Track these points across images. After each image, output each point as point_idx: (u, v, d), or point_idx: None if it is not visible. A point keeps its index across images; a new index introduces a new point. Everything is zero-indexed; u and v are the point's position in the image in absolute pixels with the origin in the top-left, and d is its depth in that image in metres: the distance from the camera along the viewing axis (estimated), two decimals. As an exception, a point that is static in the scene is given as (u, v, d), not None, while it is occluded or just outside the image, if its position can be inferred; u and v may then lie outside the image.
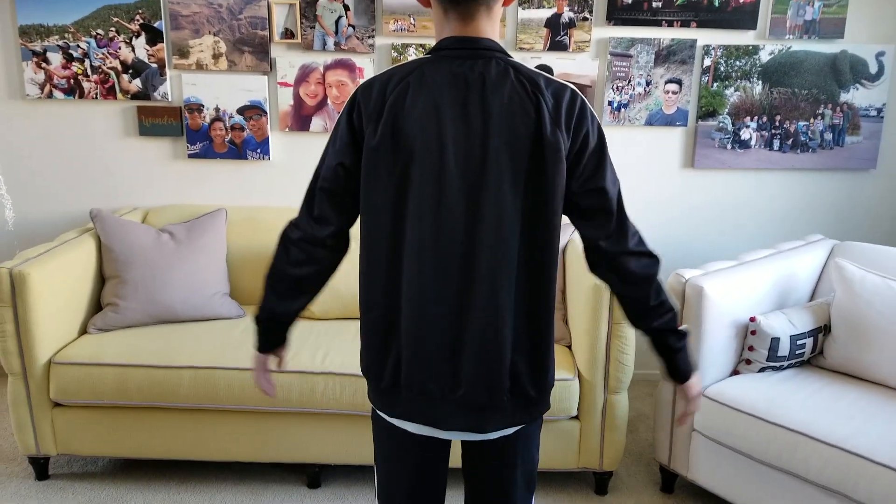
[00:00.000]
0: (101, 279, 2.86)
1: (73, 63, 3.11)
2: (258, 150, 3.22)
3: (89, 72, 3.12)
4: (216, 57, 3.11)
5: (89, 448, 2.61)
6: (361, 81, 1.44)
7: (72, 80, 3.12)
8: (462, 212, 1.34)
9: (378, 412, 1.52)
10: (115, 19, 3.07)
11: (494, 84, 1.34)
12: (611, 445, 2.54)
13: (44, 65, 3.11)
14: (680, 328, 1.50)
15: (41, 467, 2.67)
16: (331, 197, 1.43)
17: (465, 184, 1.34)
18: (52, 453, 2.61)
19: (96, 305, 2.84)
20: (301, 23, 3.08)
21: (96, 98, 3.15)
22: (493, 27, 1.39)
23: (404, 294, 1.38)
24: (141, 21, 3.07)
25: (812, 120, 3.16)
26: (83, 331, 2.75)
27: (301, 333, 2.72)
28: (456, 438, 1.47)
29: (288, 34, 3.10)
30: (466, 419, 1.42)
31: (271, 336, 1.57)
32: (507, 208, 1.34)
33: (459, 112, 1.33)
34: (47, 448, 2.60)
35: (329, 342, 2.64)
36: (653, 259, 1.44)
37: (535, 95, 1.33)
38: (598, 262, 1.46)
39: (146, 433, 2.58)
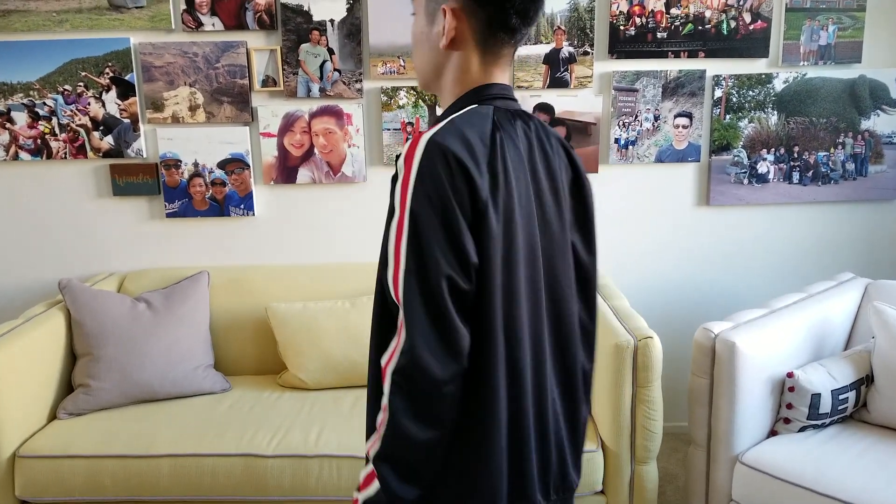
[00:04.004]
0: (73, 357, 2.62)
1: (40, 122, 2.90)
2: (241, 206, 2.99)
3: (57, 130, 2.90)
4: (193, 109, 2.90)
5: (60, 549, 2.35)
6: (441, 139, 1.00)
7: (38, 140, 2.90)
8: (545, 295, 1.17)
9: None
10: (84, 73, 2.86)
11: (551, 145, 1.16)
12: (640, 520, 2.30)
13: (8, 125, 2.90)
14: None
15: (8, 571, 2.40)
16: (462, 304, 1.02)
17: (545, 260, 1.15)
18: (19, 557, 2.35)
19: (67, 387, 2.59)
20: (283, 69, 2.87)
21: (65, 158, 2.93)
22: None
23: (525, 390, 1.12)
24: (111, 74, 2.87)
25: (832, 150, 2.96)
26: (52, 416, 2.50)
27: (291, 408, 2.48)
28: None
29: (269, 82, 2.89)
30: None
31: None
32: (570, 286, 1.21)
33: (533, 179, 1.12)
34: (14, 551, 2.34)
35: (324, 418, 2.40)
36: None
37: (566, 151, 1.18)
38: None
39: (124, 529, 2.33)
